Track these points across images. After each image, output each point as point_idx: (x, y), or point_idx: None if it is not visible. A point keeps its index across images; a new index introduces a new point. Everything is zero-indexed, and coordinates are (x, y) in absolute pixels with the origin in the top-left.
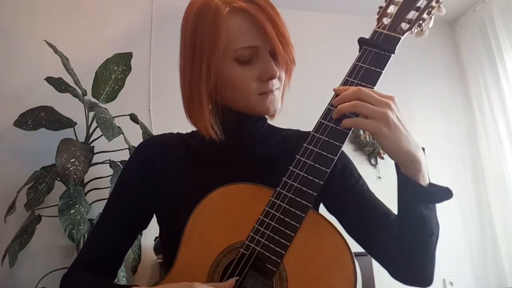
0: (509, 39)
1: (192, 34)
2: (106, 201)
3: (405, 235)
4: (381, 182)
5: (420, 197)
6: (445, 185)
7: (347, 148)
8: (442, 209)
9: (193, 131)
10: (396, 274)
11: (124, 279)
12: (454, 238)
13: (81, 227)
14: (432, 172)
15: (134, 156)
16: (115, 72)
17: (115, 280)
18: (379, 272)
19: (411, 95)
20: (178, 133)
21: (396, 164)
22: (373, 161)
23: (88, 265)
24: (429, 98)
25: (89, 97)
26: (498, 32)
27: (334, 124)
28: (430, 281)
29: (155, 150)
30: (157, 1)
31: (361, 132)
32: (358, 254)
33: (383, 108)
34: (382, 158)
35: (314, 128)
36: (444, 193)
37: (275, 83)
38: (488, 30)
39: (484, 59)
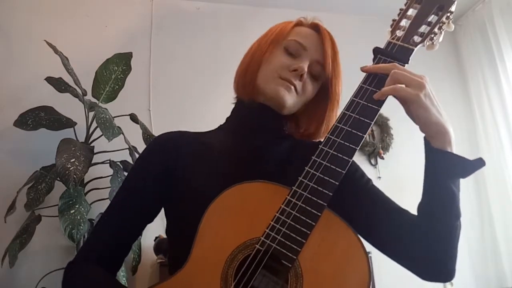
0: (509, 39)
1: (268, 30)
2: (106, 201)
3: (433, 216)
4: (381, 182)
5: (454, 166)
6: None
7: None
8: None
9: (208, 131)
10: (418, 270)
11: (124, 279)
12: None
13: (81, 227)
14: None
15: (148, 149)
16: (115, 72)
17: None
18: (379, 272)
19: None
20: (192, 132)
21: (425, 140)
22: (373, 161)
23: (94, 256)
24: None
25: (89, 97)
26: (498, 32)
27: (349, 127)
28: (452, 274)
29: (169, 144)
30: (157, 1)
31: None
32: None
33: (419, 79)
34: (382, 158)
35: (330, 131)
36: (478, 161)
37: (298, 82)
38: (488, 30)
39: (484, 59)
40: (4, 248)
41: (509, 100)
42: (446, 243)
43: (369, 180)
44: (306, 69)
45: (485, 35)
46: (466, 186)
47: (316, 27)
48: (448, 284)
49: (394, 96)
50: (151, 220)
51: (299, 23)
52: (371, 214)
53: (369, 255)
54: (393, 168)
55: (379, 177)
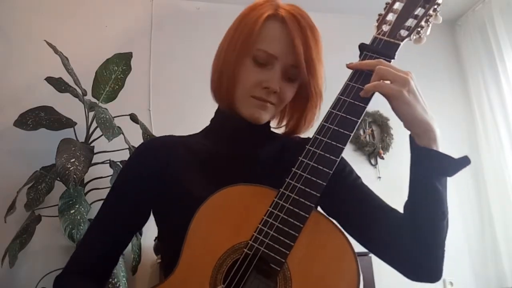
0: (509, 39)
1: (236, 27)
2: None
3: (417, 215)
4: (381, 182)
5: (439, 164)
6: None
7: (347, 149)
8: None
9: (193, 134)
10: (404, 270)
11: (124, 279)
12: (454, 238)
13: (81, 227)
14: None
15: (133, 156)
16: (115, 72)
17: (115, 281)
18: (379, 272)
19: None
20: (178, 136)
21: (410, 138)
22: (373, 161)
23: (82, 268)
24: (429, 98)
25: (89, 97)
26: (498, 32)
27: (336, 126)
28: (439, 276)
29: (155, 151)
30: (157, 1)
31: (361, 132)
32: (358, 254)
33: (404, 74)
34: (382, 158)
35: (317, 131)
36: (463, 160)
37: (272, 96)
38: (488, 30)
39: (484, 59)
40: (4, 248)
41: (509, 100)
42: (431, 243)
43: (358, 177)
44: (277, 88)
45: (485, 35)
46: (466, 186)
47: (283, 20)
48: (448, 284)
49: (380, 93)
50: (139, 228)
51: (269, 17)
52: (358, 212)
53: (369, 255)
54: (393, 168)
55: (379, 177)
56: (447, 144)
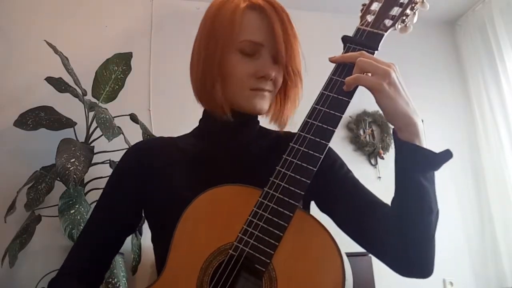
0: (509, 39)
1: (211, 24)
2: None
3: (403, 210)
4: (381, 182)
5: (421, 159)
6: (445, 185)
7: (347, 149)
8: (442, 209)
9: (184, 134)
10: (394, 265)
11: (124, 279)
12: (454, 238)
13: (81, 227)
14: None
15: (121, 161)
16: (115, 72)
17: (115, 281)
18: (379, 272)
19: (410, 95)
20: (168, 137)
21: (393, 131)
22: (373, 161)
23: (76, 272)
24: (429, 98)
25: (89, 97)
26: (498, 32)
27: (320, 122)
28: (430, 271)
29: (143, 154)
30: (157, 1)
31: (361, 132)
32: (358, 254)
33: (386, 67)
34: (382, 158)
35: (300, 127)
36: (445, 154)
37: (268, 84)
38: (488, 30)
39: (484, 59)
40: (4, 248)
41: (509, 100)
42: (419, 238)
43: (349, 171)
44: (273, 74)
45: (485, 35)
46: (466, 186)
47: (259, 7)
48: (448, 284)
49: (362, 86)
50: (133, 230)
51: (246, 8)
52: (351, 206)
53: (369, 255)
54: (393, 168)
55: (379, 177)
56: (447, 144)
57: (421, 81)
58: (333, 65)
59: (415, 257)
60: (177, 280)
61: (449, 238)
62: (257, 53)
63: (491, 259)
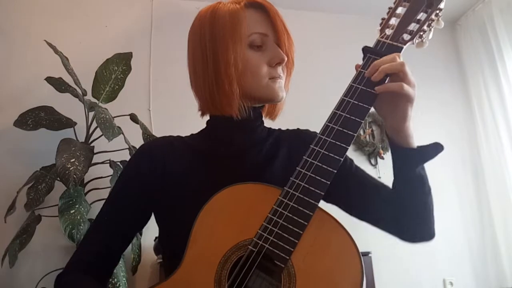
0: (509, 39)
1: (211, 30)
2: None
3: (407, 197)
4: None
5: (418, 159)
6: (445, 186)
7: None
8: (443, 209)
9: (192, 134)
10: (403, 235)
11: (124, 279)
12: (454, 238)
13: (81, 227)
14: (432, 172)
15: (134, 157)
16: (115, 72)
17: (115, 281)
18: (379, 272)
19: None
20: (178, 136)
21: (388, 136)
22: (373, 161)
23: (84, 266)
24: (429, 98)
25: (89, 97)
26: (498, 32)
27: (340, 127)
28: (432, 235)
29: (156, 152)
30: (157, 1)
31: (361, 132)
32: None
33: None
34: (382, 158)
35: (320, 131)
36: (437, 147)
37: (280, 70)
38: (488, 30)
39: (484, 59)
40: (4, 248)
41: (509, 100)
42: (424, 211)
43: (351, 160)
44: (285, 58)
45: (485, 35)
46: (466, 186)
47: (257, 3)
48: (448, 284)
49: (397, 94)
50: (141, 228)
51: (246, 5)
52: (360, 193)
53: (369, 254)
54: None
55: (379, 177)
56: (447, 144)
57: (421, 81)
58: (336, 65)
59: (419, 224)
60: (195, 274)
61: (449, 238)
62: (264, 44)
63: (491, 259)
